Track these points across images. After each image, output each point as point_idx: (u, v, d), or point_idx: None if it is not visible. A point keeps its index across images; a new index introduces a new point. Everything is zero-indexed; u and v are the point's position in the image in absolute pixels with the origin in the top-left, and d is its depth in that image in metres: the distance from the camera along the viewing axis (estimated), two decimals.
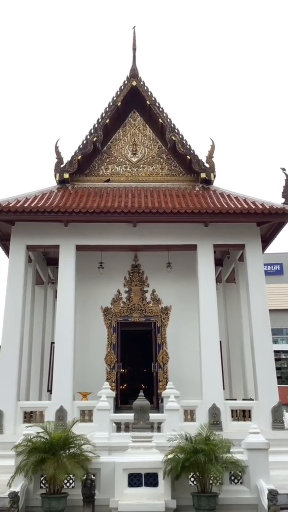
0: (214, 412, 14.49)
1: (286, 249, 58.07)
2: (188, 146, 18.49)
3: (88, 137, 18.49)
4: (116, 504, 9.28)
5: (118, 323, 18.22)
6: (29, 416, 14.78)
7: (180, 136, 18.57)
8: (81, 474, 9.51)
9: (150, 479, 9.62)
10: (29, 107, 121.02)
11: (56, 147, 18.56)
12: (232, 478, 10.11)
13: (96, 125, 18.61)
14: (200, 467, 9.49)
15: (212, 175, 18.36)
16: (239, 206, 16.19)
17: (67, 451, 9.92)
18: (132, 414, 10.77)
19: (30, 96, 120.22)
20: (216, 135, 55.24)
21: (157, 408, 16.30)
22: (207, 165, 18.46)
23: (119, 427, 13.63)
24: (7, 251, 17.40)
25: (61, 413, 14.25)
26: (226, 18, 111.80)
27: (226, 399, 15.60)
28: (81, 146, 18.44)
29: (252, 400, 15.61)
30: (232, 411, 14.92)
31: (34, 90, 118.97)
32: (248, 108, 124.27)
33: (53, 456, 9.58)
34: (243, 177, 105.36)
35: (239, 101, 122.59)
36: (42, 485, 10.03)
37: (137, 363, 20.39)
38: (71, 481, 10.09)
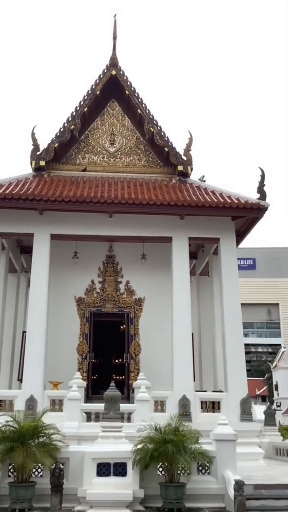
0: (184, 403, 14.60)
1: (259, 244, 58.80)
2: (166, 138, 18.44)
3: (66, 124, 18.26)
4: (84, 493, 9.32)
5: (91, 313, 18.18)
6: None
7: (159, 128, 18.49)
8: (49, 463, 9.51)
9: (119, 469, 9.68)
10: (6, 91, 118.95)
11: (33, 134, 18.26)
12: (200, 468, 10.29)
13: (74, 113, 18.36)
14: (169, 457, 9.60)
15: (189, 168, 18.36)
16: (215, 200, 16.25)
17: (37, 440, 9.92)
18: (103, 404, 10.78)
19: (8, 80, 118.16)
20: (195, 128, 55.24)
21: (128, 398, 16.33)
22: (185, 158, 18.43)
23: (89, 417, 13.62)
24: None
25: (31, 402, 14.14)
26: (208, 10, 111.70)
27: (196, 391, 15.77)
28: (58, 134, 18.20)
29: (222, 392, 15.81)
30: (201, 402, 15.08)
31: (12, 74, 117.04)
32: (228, 103, 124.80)
33: (22, 445, 9.57)
34: (221, 171, 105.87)
35: (219, 96, 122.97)
36: (10, 473, 10.00)
37: (109, 354, 20.39)
38: (39, 470, 10.10)
